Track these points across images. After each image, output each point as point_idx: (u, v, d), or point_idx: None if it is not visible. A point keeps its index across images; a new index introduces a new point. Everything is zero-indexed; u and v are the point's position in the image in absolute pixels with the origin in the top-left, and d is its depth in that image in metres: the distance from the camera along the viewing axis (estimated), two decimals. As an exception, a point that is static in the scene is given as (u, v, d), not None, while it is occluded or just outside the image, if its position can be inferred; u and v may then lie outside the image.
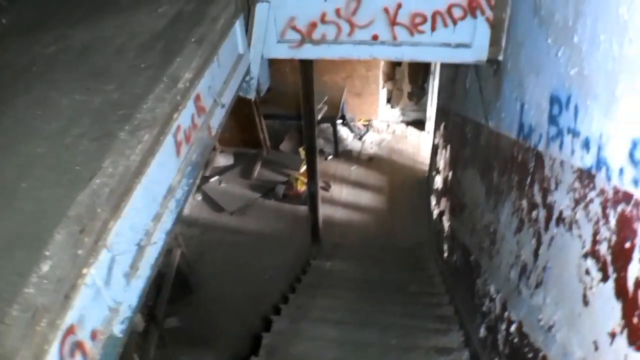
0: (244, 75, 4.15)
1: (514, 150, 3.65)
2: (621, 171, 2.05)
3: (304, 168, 8.98)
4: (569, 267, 2.56)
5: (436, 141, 8.62)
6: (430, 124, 11.09)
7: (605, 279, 2.18)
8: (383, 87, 11.69)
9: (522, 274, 3.37)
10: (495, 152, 4.29)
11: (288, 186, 9.82)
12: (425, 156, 10.52)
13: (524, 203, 3.37)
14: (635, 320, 1.93)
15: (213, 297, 7.51)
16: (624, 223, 2.04)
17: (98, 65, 2.90)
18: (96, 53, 3.04)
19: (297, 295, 6.33)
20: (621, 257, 2.06)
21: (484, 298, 4.40)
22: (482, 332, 4.36)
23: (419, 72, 11.39)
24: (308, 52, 4.31)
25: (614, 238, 2.13)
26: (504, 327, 3.70)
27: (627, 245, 2.00)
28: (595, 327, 2.27)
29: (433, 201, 8.45)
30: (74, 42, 3.19)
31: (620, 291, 2.05)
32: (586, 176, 2.38)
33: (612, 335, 2.10)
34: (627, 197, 2.01)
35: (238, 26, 3.89)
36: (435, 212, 8.01)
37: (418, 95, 11.72)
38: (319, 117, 10.12)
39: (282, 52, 4.33)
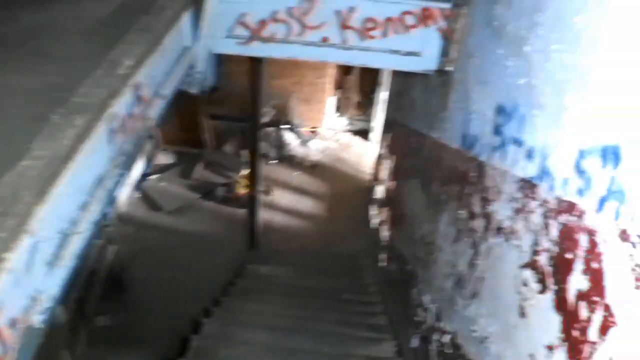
0: (189, 68, 4.04)
1: (457, 160, 3.64)
2: (565, 181, 2.03)
3: (245, 171, 8.84)
4: (506, 278, 2.54)
5: (381, 151, 8.62)
6: (375, 134, 11.07)
7: (544, 290, 2.16)
8: (331, 95, 11.67)
9: (457, 285, 3.35)
10: (438, 163, 4.28)
11: (228, 188, 9.65)
12: (368, 166, 10.47)
13: (463, 213, 3.36)
14: (575, 333, 1.89)
15: (145, 296, 7.26)
16: (567, 234, 2.01)
17: (42, 47, 2.82)
18: (42, 36, 2.97)
19: (230, 299, 6.19)
20: (562, 269, 2.03)
21: (418, 308, 4.38)
22: (415, 342, 4.33)
23: (368, 82, 11.41)
24: (256, 49, 4.22)
25: (555, 249, 2.10)
26: (437, 337, 3.67)
27: (569, 256, 1.97)
28: (532, 339, 2.24)
29: (374, 210, 8.43)
30: (22, 24, 3.09)
31: (560, 304, 2.03)
32: (528, 186, 2.36)
33: (550, 349, 2.06)
34: (570, 208, 1.99)
35: (186, 18, 3.78)
36: (375, 222, 8.00)
37: (366, 105, 11.75)
38: (265, 120, 10.00)
39: (230, 47, 4.23)
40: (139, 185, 9.63)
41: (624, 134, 1.68)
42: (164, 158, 10.46)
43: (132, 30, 2.95)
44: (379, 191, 8.01)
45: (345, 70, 11.44)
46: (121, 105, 2.68)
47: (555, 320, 2.04)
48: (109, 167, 2.61)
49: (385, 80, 10.23)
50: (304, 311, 5.92)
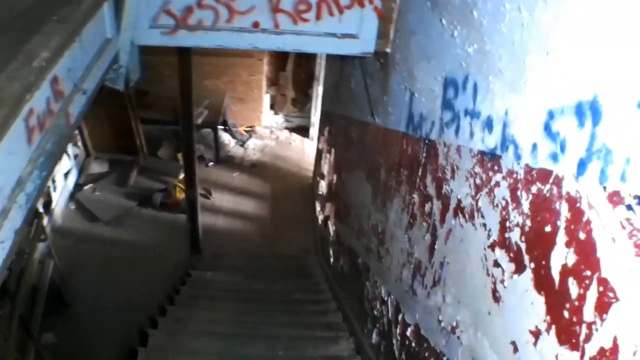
0: (112, 62, 3.73)
1: (403, 143, 3.46)
2: (534, 147, 1.85)
3: (182, 175, 8.52)
4: (471, 260, 2.36)
5: (320, 146, 8.45)
6: (314, 130, 10.91)
7: (519, 270, 1.97)
8: (266, 93, 11.39)
9: (415, 273, 3.17)
10: (383, 149, 4.11)
11: (166, 194, 9.27)
12: (309, 162, 10.30)
13: (416, 197, 3.18)
14: (565, 313, 1.69)
15: (89, 310, 6.98)
16: (541, 205, 1.83)
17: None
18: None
19: (176, 308, 5.89)
20: (540, 244, 1.84)
21: (374, 302, 4.20)
22: (375, 337, 4.15)
23: (303, 77, 11.21)
24: (183, 39, 3.94)
25: (527, 223, 1.92)
26: (398, 331, 3.49)
27: (548, 229, 1.78)
28: (512, 325, 2.04)
29: (318, 207, 8.26)
30: None
31: (542, 282, 1.83)
32: (489, 159, 2.19)
33: (536, 335, 1.87)
34: (543, 176, 1.80)
35: (107, 8, 3.48)
36: (320, 218, 7.82)
37: (302, 101, 11.53)
38: (199, 121, 9.66)
39: (155, 38, 3.92)
40: (73, 196, 9.18)
41: (603, 85, 1.49)
42: (97, 166, 10.00)
43: (49, 21, 2.67)
44: (322, 187, 7.83)
45: (279, 66, 11.20)
46: (39, 100, 2.41)
47: (537, 302, 1.85)
48: (29, 168, 2.34)
49: (321, 75, 10.09)
50: (255, 316, 5.68)
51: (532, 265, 1.89)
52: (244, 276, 7.28)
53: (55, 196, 8.37)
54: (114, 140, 9.88)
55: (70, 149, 9.05)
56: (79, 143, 9.68)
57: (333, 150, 6.93)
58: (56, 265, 6.89)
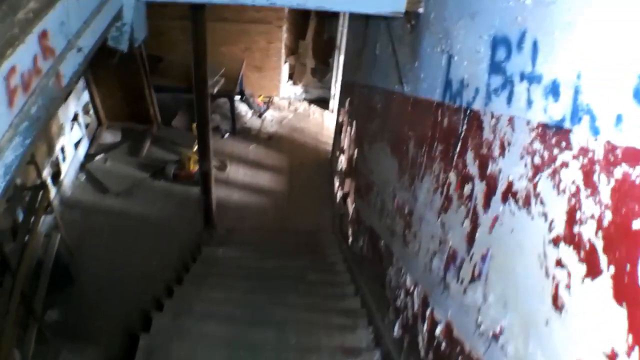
0: (114, 19, 3.32)
1: (438, 114, 3.02)
2: (619, 119, 1.42)
3: (196, 146, 8.15)
4: (525, 256, 1.93)
5: (340, 119, 8.03)
6: (334, 102, 10.47)
7: (593, 273, 1.54)
8: (285, 62, 10.94)
9: (449, 264, 2.75)
10: (412, 120, 3.67)
11: (179, 165, 8.94)
12: (329, 135, 9.90)
13: (452, 176, 2.75)
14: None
15: (96, 287, 6.72)
16: (629, 193, 1.40)
17: None
18: None
19: (183, 287, 5.53)
20: (624, 243, 1.42)
21: (397, 291, 3.79)
22: (397, 331, 3.74)
23: (324, 46, 10.73)
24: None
25: (608, 215, 1.49)
26: (425, 327, 3.08)
27: (637, 225, 1.36)
28: (578, 342, 1.61)
29: (337, 182, 7.87)
30: None
31: (625, 292, 1.41)
32: (554, 133, 1.75)
33: (612, 358, 1.45)
34: (632, 156, 1.37)
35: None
36: (339, 194, 7.43)
37: (322, 71, 11.06)
38: (215, 90, 9.27)
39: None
40: (83, 167, 8.88)
41: None
42: (109, 136, 9.68)
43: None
44: (342, 161, 7.42)
45: (298, 34, 10.72)
46: (22, 56, 2.06)
47: (616, 316, 1.43)
48: (9, 134, 2.01)
49: (342, 43, 9.62)
50: (266, 296, 5.32)
51: (612, 269, 1.46)
52: (256, 253, 6.91)
53: (64, 167, 8.07)
54: (126, 108, 9.54)
55: (81, 117, 8.73)
56: (91, 112, 9.35)
57: (354, 122, 6.49)
58: (63, 239, 6.67)
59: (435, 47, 3.12)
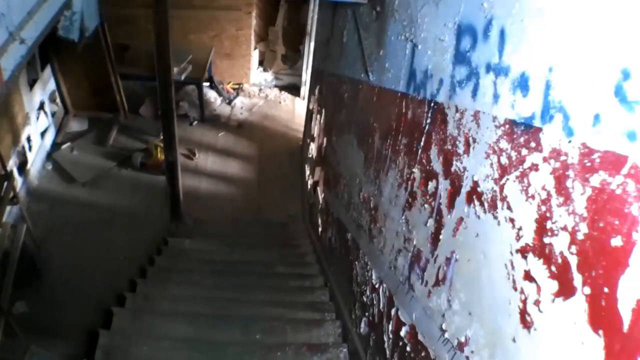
0: (63, 8, 3.13)
1: (402, 105, 2.89)
2: (597, 118, 1.29)
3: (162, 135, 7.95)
4: (491, 264, 1.81)
5: (311, 106, 7.87)
6: (305, 89, 10.31)
7: (566, 292, 1.40)
8: (255, 49, 10.73)
9: (414, 264, 2.62)
10: (377, 112, 3.54)
11: (146, 154, 8.75)
12: (300, 123, 9.75)
13: (416, 172, 2.62)
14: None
15: (64, 280, 6.55)
16: (607, 205, 1.26)
17: None
18: None
19: (146, 282, 5.36)
20: (602, 262, 1.28)
21: (363, 286, 3.67)
22: (363, 327, 3.63)
23: (295, 33, 10.53)
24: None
25: (583, 228, 1.35)
26: (390, 328, 2.96)
27: (617, 242, 1.23)
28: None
29: (307, 171, 7.72)
30: None
31: (601, 317, 1.26)
32: (522, 131, 1.62)
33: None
34: (612, 162, 1.24)
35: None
36: (309, 183, 7.28)
37: (293, 58, 10.87)
38: (182, 77, 9.05)
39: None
40: (50, 156, 8.66)
41: None
42: (76, 124, 9.44)
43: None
44: (312, 149, 7.27)
45: (268, 21, 10.51)
46: None
47: (592, 343, 1.28)
48: None
49: (313, 30, 9.44)
50: (232, 292, 5.17)
51: (587, 290, 1.33)
52: (225, 245, 6.73)
53: (30, 156, 7.87)
54: (93, 97, 9.29)
55: (47, 106, 8.50)
56: (58, 100, 9.10)
57: (324, 111, 6.35)
58: (29, 230, 6.52)
59: (399, 35, 2.98)
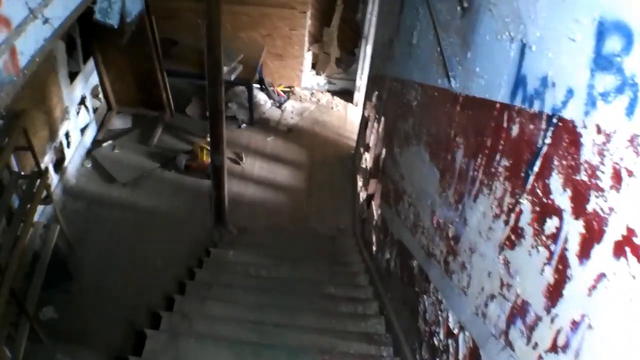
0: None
1: (503, 118, 2.37)
2: None
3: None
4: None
5: (366, 113, 7.39)
6: (359, 95, 9.82)
7: None
8: (308, 50, 10.25)
9: (515, 317, 2.10)
10: (461, 123, 3.02)
11: (192, 156, 8.38)
12: (352, 130, 9.27)
13: (525, 203, 2.10)
14: None
15: (96, 284, 6.30)
16: None
17: None
18: None
19: (185, 299, 4.93)
20: None
21: (435, 327, 3.15)
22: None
23: (351, 35, 10.04)
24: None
25: None
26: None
27: None
28: None
29: (360, 182, 7.24)
30: None
31: None
32: None
33: None
34: None
35: None
36: (362, 195, 6.79)
37: (347, 61, 10.37)
38: (232, 77, 8.64)
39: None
40: (90, 154, 8.39)
41: None
42: (119, 122, 9.16)
43: None
44: (366, 160, 6.79)
45: (323, 21, 10.04)
46: None
47: None
48: None
49: (371, 32, 8.96)
50: (278, 314, 4.71)
51: None
52: (270, 258, 6.30)
53: (69, 153, 7.62)
54: (138, 93, 8.97)
55: (89, 101, 8.22)
56: (100, 95, 8.82)
57: (383, 119, 5.85)
58: (62, 231, 6.27)
59: (499, 33, 2.46)
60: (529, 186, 2.06)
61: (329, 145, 9.27)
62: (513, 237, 2.19)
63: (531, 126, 2.07)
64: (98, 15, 2.81)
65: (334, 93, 10.56)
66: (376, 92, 6.53)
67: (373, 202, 5.91)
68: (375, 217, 5.70)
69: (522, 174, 2.12)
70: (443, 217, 3.18)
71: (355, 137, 8.76)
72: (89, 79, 8.23)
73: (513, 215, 2.19)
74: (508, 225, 2.24)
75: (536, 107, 2.03)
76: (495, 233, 2.36)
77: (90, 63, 8.21)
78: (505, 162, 2.31)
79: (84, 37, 7.79)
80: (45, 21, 2.15)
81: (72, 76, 7.59)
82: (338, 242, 7.10)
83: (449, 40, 3.32)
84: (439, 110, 3.53)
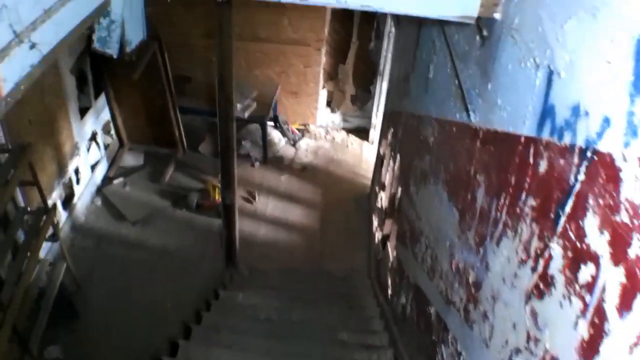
0: (96, 13, 2.54)
1: (529, 153, 2.15)
2: None
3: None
4: None
5: (382, 151, 7.20)
6: (375, 133, 9.64)
7: None
8: (323, 88, 10.15)
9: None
10: (481, 160, 2.81)
11: (203, 194, 8.25)
12: (367, 169, 9.07)
13: (555, 247, 1.87)
14: None
15: (103, 324, 6.19)
16: None
17: None
18: None
19: (190, 344, 4.69)
20: None
21: (453, 381, 2.89)
22: None
23: (366, 72, 9.92)
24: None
25: None
26: None
27: None
28: None
29: (375, 222, 7.01)
30: None
31: None
32: None
33: None
34: None
35: None
36: (378, 235, 6.56)
37: (363, 99, 10.24)
38: (246, 115, 8.54)
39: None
40: (100, 191, 8.28)
41: None
42: (130, 158, 9.06)
43: None
44: (382, 199, 6.57)
45: (338, 58, 9.93)
46: None
47: None
48: None
49: (386, 69, 8.81)
50: (287, 362, 4.45)
51: None
52: (282, 301, 6.05)
53: (78, 189, 7.54)
54: (150, 130, 8.87)
55: (100, 137, 8.14)
56: (112, 131, 8.73)
57: (398, 156, 5.65)
58: (69, 269, 6.23)
59: (522, 61, 2.26)
60: (560, 229, 1.83)
61: (343, 184, 9.07)
62: (542, 285, 1.95)
63: (562, 161, 1.85)
64: (97, 44, 2.65)
65: (349, 131, 10.40)
66: (392, 129, 6.35)
67: (389, 243, 5.68)
68: (391, 258, 5.46)
69: (552, 215, 1.89)
70: (463, 261, 2.94)
71: (370, 175, 8.55)
72: (100, 115, 8.15)
73: (542, 261, 1.96)
74: (536, 272, 2.00)
75: (567, 139, 1.82)
76: (522, 280, 2.12)
77: (102, 98, 8.15)
78: (532, 202, 2.08)
79: (95, 72, 7.73)
80: (33, 46, 1.99)
81: (83, 111, 7.53)
82: (352, 284, 6.84)
83: (468, 71, 3.13)
84: (457, 146, 3.32)
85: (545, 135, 1.98)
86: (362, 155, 9.80)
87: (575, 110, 1.77)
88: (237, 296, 6.09)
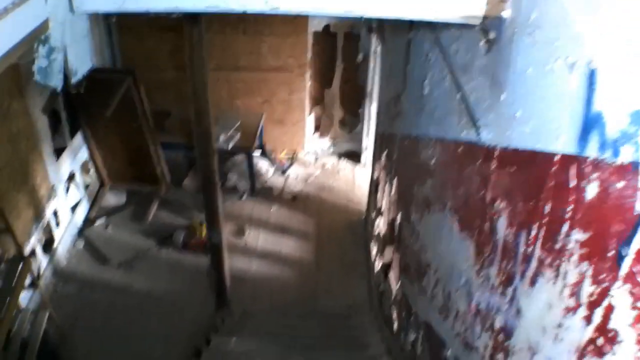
0: (32, 39, 2.13)
1: (568, 176, 1.74)
2: None
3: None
4: None
5: (375, 175, 6.81)
6: (366, 156, 9.28)
7: None
8: (310, 114, 9.79)
9: None
10: (502, 184, 2.40)
11: (190, 232, 7.82)
12: (361, 194, 8.67)
13: (618, 295, 1.46)
14: None
15: None
16: None
17: None
18: None
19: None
20: None
21: None
22: None
23: (353, 95, 9.57)
24: (155, 2, 2.32)
25: None
26: None
27: None
28: None
29: (374, 249, 6.60)
30: None
31: None
32: None
33: None
34: None
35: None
36: (378, 264, 6.14)
37: (352, 122, 9.88)
38: (230, 146, 8.17)
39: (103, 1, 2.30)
40: (81, 233, 7.91)
41: None
42: (112, 198, 8.68)
43: None
44: (379, 224, 6.18)
45: (323, 82, 9.59)
46: None
47: None
48: None
49: (374, 90, 8.48)
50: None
51: None
52: (277, 346, 5.62)
53: (58, 233, 7.21)
54: (131, 168, 8.48)
55: (79, 177, 7.79)
56: (91, 171, 8.35)
57: (395, 180, 5.25)
58: (52, 317, 5.93)
59: (547, 63, 1.87)
60: (625, 270, 1.42)
61: (337, 212, 8.66)
62: (601, 341, 1.53)
63: (620, 184, 1.44)
64: (37, 76, 2.24)
65: (339, 155, 10.02)
66: (385, 152, 5.98)
67: (391, 273, 5.28)
68: (394, 290, 5.05)
69: (611, 253, 1.48)
70: (485, 303, 2.52)
71: (365, 201, 8.17)
72: (77, 154, 7.77)
73: (599, 312, 1.54)
74: (591, 325, 1.59)
75: (626, 156, 1.42)
76: (571, 333, 1.70)
77: (78, 137, 7.77)
78: (579, 236, 1.67)
79: (69, 110, 7.37)
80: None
81: (59, 152, 7.17)
82: (352, 323, 6.40)
83: (472, 83, 2.75)
84: (465, 168, 2.92)
85: (592, 152, 1.58)
86: (355, 180, 9.41)
87: (636, 117, 1.37)
88: (229, 343, 5.66)
